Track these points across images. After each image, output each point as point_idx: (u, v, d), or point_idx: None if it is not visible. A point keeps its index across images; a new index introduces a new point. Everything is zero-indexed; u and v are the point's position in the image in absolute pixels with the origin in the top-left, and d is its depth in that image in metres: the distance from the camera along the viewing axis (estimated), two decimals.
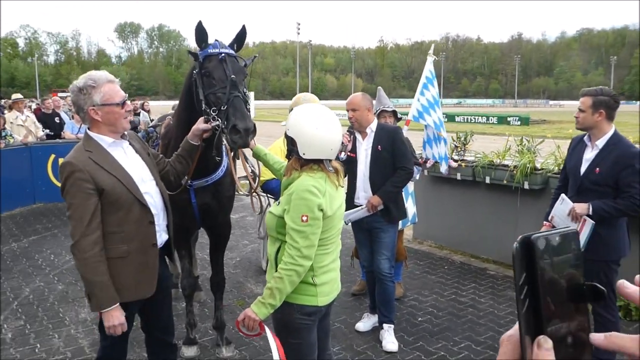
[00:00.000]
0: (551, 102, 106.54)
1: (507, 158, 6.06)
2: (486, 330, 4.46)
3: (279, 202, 2.56)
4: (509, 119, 38.89)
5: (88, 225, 2.52)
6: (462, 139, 6.45)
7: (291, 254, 2.42)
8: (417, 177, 5.26)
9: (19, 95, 10.58)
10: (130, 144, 2.85)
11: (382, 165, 4.07)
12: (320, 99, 4.83)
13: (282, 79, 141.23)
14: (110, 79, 2.71)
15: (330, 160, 2.58)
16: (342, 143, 4.22)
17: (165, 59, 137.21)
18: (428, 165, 5.82)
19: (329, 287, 2.62)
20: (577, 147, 3.75)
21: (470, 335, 4.37)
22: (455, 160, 6.30)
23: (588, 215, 3.46)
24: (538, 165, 5.66)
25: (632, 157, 3.43)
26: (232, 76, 3.11)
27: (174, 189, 3.56)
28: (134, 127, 10.45)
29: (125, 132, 2.80)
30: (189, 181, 3.61)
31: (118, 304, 2.61)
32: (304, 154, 2.50)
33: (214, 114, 3.13)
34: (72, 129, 10.00)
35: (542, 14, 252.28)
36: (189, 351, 4.07)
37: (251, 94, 12.31)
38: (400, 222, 5.07)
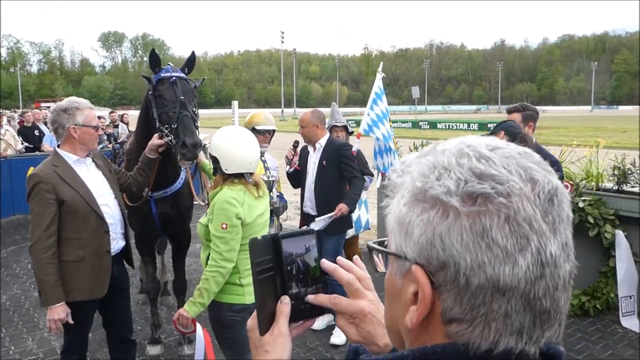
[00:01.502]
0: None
1: None
2: None
3: (206, 213, 2.93)
4: (489, 125, 39.61)
5: (45, 230, 2.90)
6: (420, 147, 6.81)
7: (214, 257, 2.79)
8: (369, 187, 5.63)
9: None
10: (93, 161, 3.23)
11: (325, 178, 4.44)
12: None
13: (268, 87, 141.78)
14: (91, 106, 3.19)
15: (251, 174, 2.94)
16: (287, 157, 4.64)
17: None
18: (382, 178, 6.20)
19: None
20: None
21: None
22: None
23: None
24: None
25: (551, 165, 3.82)
26: (182, 97, 3.55)
27: (136, 199, 3.97)
28: (115, 139, 10.77)
29: (91, 152, 3.20)
30: (149, 192, 4.00)
31: (63, 302, 2.96)
32: (226, 169, 2.85)
33: (166, 131, 3.55)
34: (50, 141, 10.25)
35: (524, 21, 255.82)
36: (153, 350, 4.40)
37: (235, 103, 12.66)
38: (353, 229, 5.46)
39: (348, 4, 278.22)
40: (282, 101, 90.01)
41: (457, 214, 0.61)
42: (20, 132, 11.53)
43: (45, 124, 12.06)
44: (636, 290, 4.90)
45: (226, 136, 2.90)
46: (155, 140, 3.64)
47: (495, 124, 4.23)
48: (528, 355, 0.62)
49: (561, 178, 3.95)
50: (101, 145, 10.99)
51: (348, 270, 0.97)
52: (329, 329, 4.74)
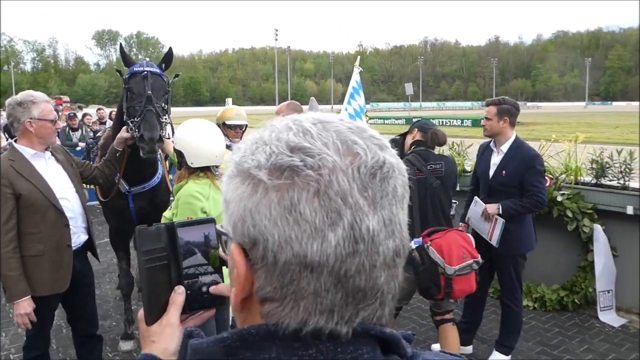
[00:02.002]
0: (529, 103, 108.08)
1: None
2: (408, 323, 4.80)
3: (170, 207, 2.88)
4: (482, 121, 39.53)
5: (4, 225, 2.86)
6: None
7: None
8: None
9: None
10: (53, 154, 3.17)
11: None
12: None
13: (262, 85, 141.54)
14: (47, 100, 3.13)
15: (217, 167, 2.90)
16: None
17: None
18: None
19: None
20: (484, 153, 4.12)
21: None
22: None
23: (499, 215, 3.81)
24: (468, 168, 6.01)
25: (533, 159, 3.81)
26: (149, 92, 3.50)
27: (105, 191, 3.96)
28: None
29: (50, 146, 3.14)
30: (128, 188, 3.98)
31: (29, 296, 2.91)
32: (192, 163, 2.82)
33: (132, 124, 3.53)
34: None
35: (518, 17, 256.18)
36: (125, 345, 4.35)
37: (229, 100, 12.63)
38: None
39: (342, 2, 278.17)
40: (277, 99, 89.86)
41: (266, 188, 0.58)
42: (5, 129, 11.43)
43: None
44: (614, 285, 4.88)
45: (190, 130, 2.86)
46: (122, 133, 3.64)
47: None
48: (340, 334, 0.58)
49: (543, 172, 3.93)
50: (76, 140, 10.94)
51: None
52: None
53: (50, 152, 3.18)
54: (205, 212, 2.75)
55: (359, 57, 6.21)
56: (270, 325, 0.59)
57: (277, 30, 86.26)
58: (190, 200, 2.75)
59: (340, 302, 0.58)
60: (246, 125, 4.46)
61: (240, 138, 4.44)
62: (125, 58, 3.84)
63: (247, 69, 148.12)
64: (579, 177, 5.15)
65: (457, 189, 5.94)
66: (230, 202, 0.62)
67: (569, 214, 4.91)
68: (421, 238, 3.42)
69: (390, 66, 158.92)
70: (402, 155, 3.81)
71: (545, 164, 5.37)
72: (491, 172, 3.95)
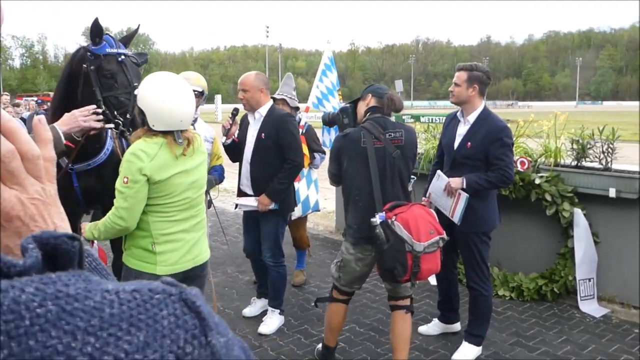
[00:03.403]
0: (520, 103, 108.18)
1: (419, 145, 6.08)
2: (375, 314, 4.47)
3: None
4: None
5: None
6: None
7: (112, 211, 2.52)
8: (319, 165, 5.25)
9: None
10: None
11: (262, 154, 3.94)
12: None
13: None
14: None
15: (182, 131, 2.57)
16: (223, 126, 4.16)
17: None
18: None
19: (172, 256, 2.61)
20: (450, 123, 3.85)
21: (358, 318, 4.37)
22: None
23: (462, 189, 3.53)
24: None
25: (500, 131, 3.54)
26: (135, 83, 3.16)
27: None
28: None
29: None
30: (70, 165, 3.59)
31: None
32: (153, 125, 2.50)
33: (121, 119, 3.19)
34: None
35: (510, 17, 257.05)
36: None
37: (218, 97, 12.32)
38: (300, 209, 5.06)
39: (334, 1, 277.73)
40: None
41: None
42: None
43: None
44: (596, 273, 4.58)
45: (155, 87, 2.52)
46: (92, 123, 3.09)
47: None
48: None
49: (512, 145, 3.68)
50: None
51: (8, 136, 0.53)
52: (263, 315, 4.36)
53: None
54: (144, 174, 2.44)
55: (330, 37, 5.86)
56: None
57: (268, 28, 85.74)
58: (130, 158, 2.46)
59: None
60: (203, 93, 4.03)
61: (197, 107, 4.01)
62: (98, 31, 3.30)
63: (238, 67, 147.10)
64: (558, 159, 4.85)
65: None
66: None
67: (548, 197, 4.60)
68: (384, 212, 3.06)
69: (382, 65, 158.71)
70: (354, 124, 3.46)
71: (523, 145, 5.10)
72: (456, 144, 3.68)
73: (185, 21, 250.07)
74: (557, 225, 4.68)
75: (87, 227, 2.68)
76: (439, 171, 3.77)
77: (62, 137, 3.00)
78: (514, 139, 5.03)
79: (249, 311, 4.44)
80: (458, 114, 3.79)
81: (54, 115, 3.63)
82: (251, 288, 5.07)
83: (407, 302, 3.35)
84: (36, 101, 12.00)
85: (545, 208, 4.64)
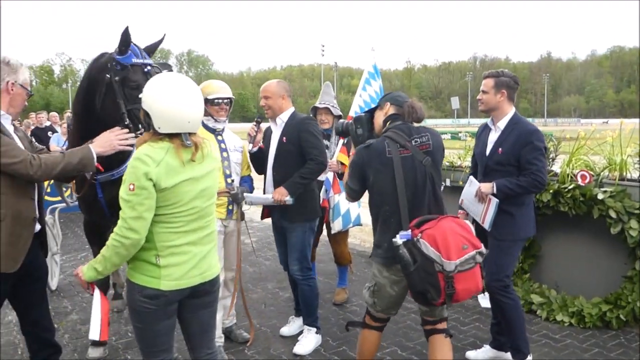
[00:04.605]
0: (582, 120, 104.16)
1: (468, 159, 5.76)
2: (420, 336, 4.14)
3: None
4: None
5: None
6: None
7: (119, 224, 2.30)
8: None
9: None
10: (16, 128, 2.93)
11: (284, 158, 3.81)
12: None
13: (309, 101, 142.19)
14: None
15: (190, 134, 2.41)
16: (249, 134, 4.02)
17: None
18: None
19: (178, 271, 2.39)
20: (483, 132, 3.77)
21: (401, 341, 4.09)
22: None
23: (493, 194, 3.42)
24: None
25: (530, 135, 3.44)
26: None
27: (78, 184, 3.60)
28: None
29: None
30: (94, 176, 3.54)
31: None
32: (159, 127, 2.35)
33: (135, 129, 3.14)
34: (57, 141, 10.07)
35: (571, 32, 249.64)
36: (94, 352, 3.88)
37: None
38: (340, 223, 4.84)
39: (390, 19, 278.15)
40: None
41: None
42: (33, 133, 11.49)
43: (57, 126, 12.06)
44: None
45: (161, 88, 2.37)
46: (128, 147, 3.06)
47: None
48: None
49: (544, 149, 3.46)
50: None
51: None
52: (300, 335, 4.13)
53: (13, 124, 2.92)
54: (150, 179, 2.27)
55: (374, 43, 5.68)
56: None
57: (323, 47, 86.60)
58: (135, 163, 2.28)
59: None
60: (231, 100, 3.89)
61: (227, 115, 3.87)
62: (127, 41, 3.22)
63: (294, 86, 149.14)
64: (624, 173, 4.42)
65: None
66: None
67: (612, 214, 4.18)
68: (409, 230, 2.75)
69: (439, 83, 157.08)
70: (370, 135, 3.12)
71: (585, 158, 4.71)
72: (487, 151, 3.59)
73: (243, 42, 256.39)
74: (623, 245, 4.24)
75: (83, 268, 2.43)
76: (471, 177, 3.73)
77: (95, 160, 2.96)
78: (574, 150, 4.70)
79: (287, 330, 4.24)
80: (488, 122, 3.72)
81: (76, 131, 3.59)
82: (290, 306, 4.85)
83: (444, 325, 3.04)
84: None
85: (610, 226, 4.22)
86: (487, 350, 3.83)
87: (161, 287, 2.35)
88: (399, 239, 2.69)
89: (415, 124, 3.02)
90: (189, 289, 2.45)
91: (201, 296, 2.54)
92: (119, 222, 2.31)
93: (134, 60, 3.21)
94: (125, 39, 3.22)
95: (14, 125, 2.90)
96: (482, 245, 2.76)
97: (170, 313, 2.47)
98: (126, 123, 3.16)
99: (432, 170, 2.90)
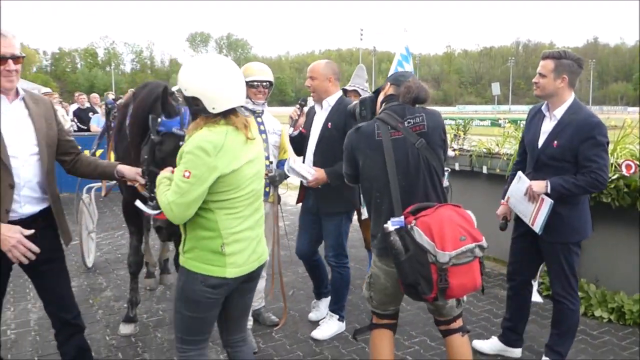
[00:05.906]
0: (630, 108, 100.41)
1: (507, 146, 5.58)
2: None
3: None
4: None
5: None
6: (461, 126, 6.02)
7: (166, 196, 2.28)
8: None
9: (48, 89, 11.05)
10: (26, 102, 2.70)
11: (327, 144, 3.70)
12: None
13: None
14: (4, 33, 2.54)
15: (242, 107, 2.40)
16: (291, 117, 3.96)
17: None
18: None
19: (241, 257, 2.37)
20: (534, 118, 3.38)
21: (430, 330, 4.01)
22: (454, 150, 5.90)
23: (546, 194, 3.10)
24: None
25: (592, 128, 3.04)
26: None
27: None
28: None
29: (21, 92, 2.69)
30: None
31: None
32: (213, 108, 2.29)
33: (155, 197, 2.90)
34: (98, 122, 10.28)
35: (620, 17, 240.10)
36: (125, 329, 3.96)
37: (310, 99, 12.39)
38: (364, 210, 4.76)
39: (430, 2, 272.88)
40: None
41: None
42: (75, 114, 11.76)
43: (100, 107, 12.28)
44: None
45: (204, 68, 2.31)
46: (138, 177, 3.04)
47: None
48: None
49: (606, 144, 3.10)
50: None
51: None
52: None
53: (24, 98, 2.68)
54: (214, 169, 2.22)
55: (406, 25, 5.51)
56: None
57: (362, 31, 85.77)
58: (196, 151, 2.21)
59: None
60: (270, 83, 3.84)
61: (265, 98, 3.79)
62: (167, 106, 3.11)
63: None
64: None
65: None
66: None
67: None
68: (403, 217, 2.51)
69: (479, 68, 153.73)
70: (373, 117, 2.84)
71: (631, 147, 4.50)
72: (540, 142, 3.22)
73: (281, 26, 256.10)
74: None
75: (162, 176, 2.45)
76: (519, 172, 3.33)
77: (116, 175, 3.04)
78: (619, 138, 4.48)
79: (315, 315, 4.23)
80: (543, 107, 3.30)
81: (130, 145, 3.56)
82: None
83: (459, 323, 2.83)
84: None
85: None
86: (494, 342, 3.69)
87: (227, 275, 2.32)
88: (390, 225, 2.48)
89: (418, 106, 2.75)
90: (247, 275, 2.44)
91: (253, 280, 2.54)
92: (169, 197, 2.26)
93: (175, 130, 3.06)
94: (164, 101, 3.12)
95: (24, 98, 2.69)
96: (483, 238, 2.50)
97: (223, 300, 2.46)
98: (142, 169, 3.08)
99: (428, 154, 2.65)
